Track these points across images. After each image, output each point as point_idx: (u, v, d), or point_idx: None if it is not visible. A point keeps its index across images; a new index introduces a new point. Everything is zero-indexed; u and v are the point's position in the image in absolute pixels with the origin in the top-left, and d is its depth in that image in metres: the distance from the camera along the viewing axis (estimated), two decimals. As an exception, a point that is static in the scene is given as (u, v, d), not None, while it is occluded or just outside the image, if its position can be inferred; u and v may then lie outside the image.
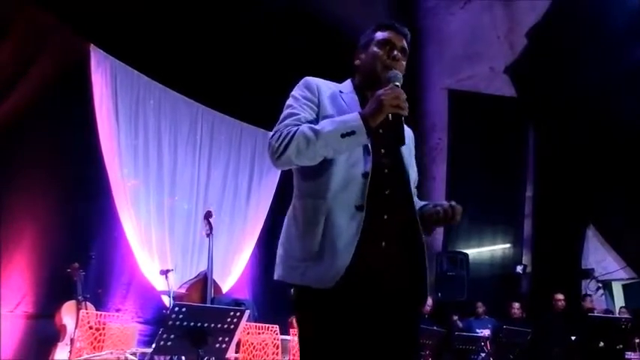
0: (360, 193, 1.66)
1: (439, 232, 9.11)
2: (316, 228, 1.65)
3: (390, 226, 1.69)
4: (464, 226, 8.92)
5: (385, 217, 1.68)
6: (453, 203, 1.74)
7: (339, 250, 1.61)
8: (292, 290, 1.70)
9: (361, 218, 1.63)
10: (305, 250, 1.66)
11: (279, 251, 1.76)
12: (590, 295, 7.73)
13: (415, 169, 1.92)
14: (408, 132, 1.93)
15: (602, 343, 5.67)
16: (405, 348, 1.69)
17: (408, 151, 1.85)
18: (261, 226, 7.46)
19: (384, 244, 1.66)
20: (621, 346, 5.70)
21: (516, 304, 7.43)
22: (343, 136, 1.62)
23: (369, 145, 1.70)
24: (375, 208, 1.66)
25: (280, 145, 1.64)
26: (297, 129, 1.65)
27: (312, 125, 1.67)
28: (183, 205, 6.72)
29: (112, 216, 5.83)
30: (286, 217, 1.79)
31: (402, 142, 1.73)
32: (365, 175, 1.68)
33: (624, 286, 7.98)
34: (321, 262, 1.62)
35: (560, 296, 7.17)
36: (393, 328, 1.66)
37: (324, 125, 1.65)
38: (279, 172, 7.57)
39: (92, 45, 5.82)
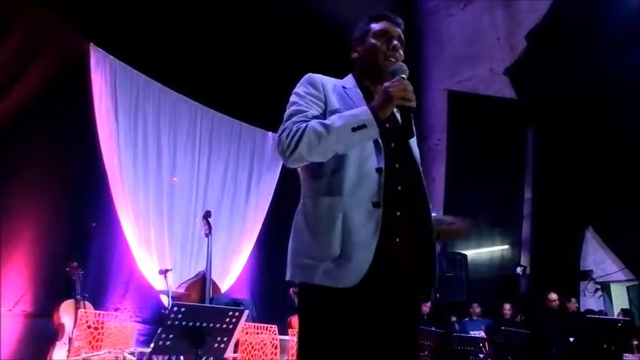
0: (376, 189, 1.63)
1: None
2: (333, 226, 1.61)
3: (403, 222, 1.66)
4: (463, 227, 8.91)
5: (398, 213, 1.66)
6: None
7: (360, 248, 1.58)
8: (301, 289, 1.65)
9: (379, 215, 1.60)
10: (322, 250, 1.61)
11: (291, 252, 1.71)
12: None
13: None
14: None
15: (602, 345, 5.66)
16: (408, 345, 1.68)
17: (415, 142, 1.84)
18: (260, 226, 7.42)
19: (398, 240, 1.64)
20: (613, 347, 5.69)
21: (507, 305, 7.43)
22: (354, 129, 1.59)
23: (380, 140, 1.68)
24: (389, 204, 1.63)
25: (291, 141, 1.62)
26: (307, 125, 1.63)
27: (322, 120, 1.64)
28: (182, 205, 6.72)
29: (111, 215, 5.82)
30: (296, 216, 1.75)
31: (412, 133, 1.72)
32: (379, 170, 1.65)
33: (628, 288, 7.95)
34: (341, 261, 1.58)
35: (554, 296, 7.16)
36: (399, 326, 1.65)
37: (334, 120, 1.63)
38: (278, 172, 7.59)
39: (92, 44, 5.82)
